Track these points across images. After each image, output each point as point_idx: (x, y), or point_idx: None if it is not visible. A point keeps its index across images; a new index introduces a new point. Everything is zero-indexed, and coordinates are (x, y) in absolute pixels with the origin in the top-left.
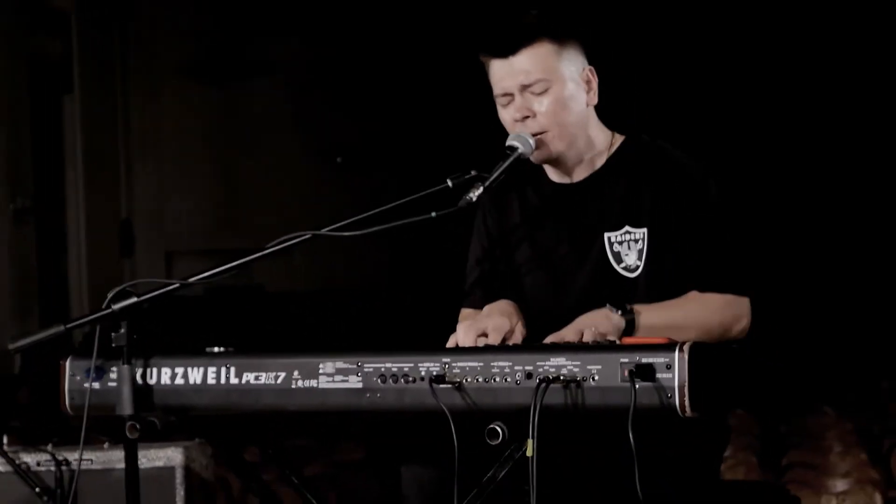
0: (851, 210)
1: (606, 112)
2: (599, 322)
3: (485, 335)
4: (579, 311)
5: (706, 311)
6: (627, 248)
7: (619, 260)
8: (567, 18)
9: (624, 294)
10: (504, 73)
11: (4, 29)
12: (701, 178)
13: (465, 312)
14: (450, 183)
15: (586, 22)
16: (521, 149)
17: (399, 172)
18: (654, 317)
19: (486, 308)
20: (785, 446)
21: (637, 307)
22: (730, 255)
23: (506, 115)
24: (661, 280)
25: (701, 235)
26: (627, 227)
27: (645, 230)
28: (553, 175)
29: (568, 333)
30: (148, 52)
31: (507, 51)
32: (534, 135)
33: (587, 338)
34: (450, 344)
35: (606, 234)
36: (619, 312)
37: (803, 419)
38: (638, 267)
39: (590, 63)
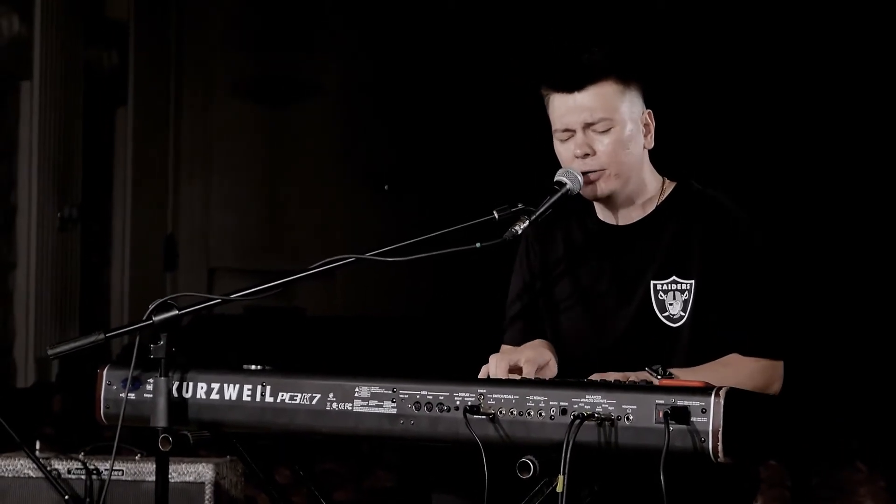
0: (891, 266)
1: (659, 157)
2: (641, 377)
3: (517, 368)
4: (617, 355)
5: (741, 377)
6: (672, 298)
7: (662, 309)
8: (632, 60)
9: (666, 343)
10: (567, 108)
11: (61, 37)
12: (751, 232)
13: (504, 348)
14: (496, 215)
15: (649, 66)
16: (568, 185)
17: (445, 202)
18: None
19: (525, 345)
20: (816, 499)
21: (676, 372)
22: (771, 318)
23: (564, 150)
24: (705, 332)
25: (747, 294)
26: (675, 277)
27: (692, 282)
28: (601, 213)
29: (612, 377)
30: (202, 69)
31: (572, 86)
32: (590, 172)
33: (632, 379)
34: (482, 374)
35: (652, 282)
36: (659, 377)
37: (836, 473)
38: (682, 318)
39: (647, 107)
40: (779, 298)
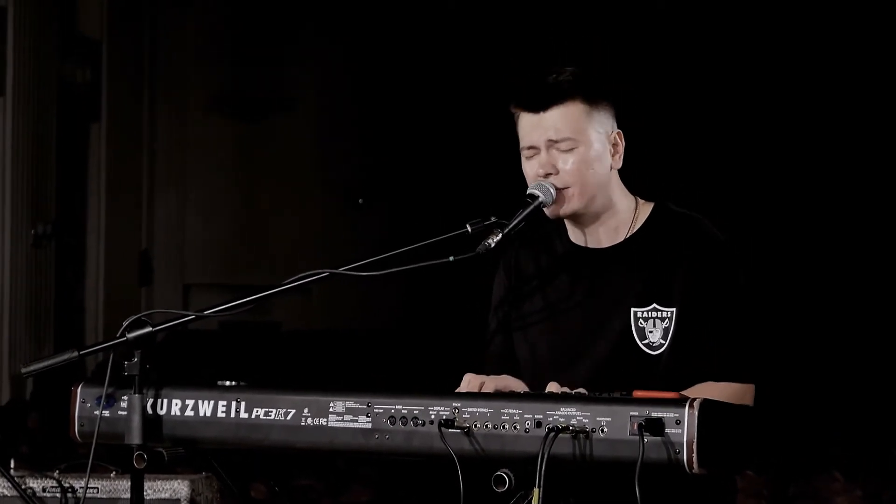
0: (868, 276)
1: (630, 177)
2: None
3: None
4: (596, 381)
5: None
6: (653, 326)
7: (642, 336)
8: (602, 80)
9: (644, 370)
10: (532, 126)
11: (34, 54)
12: (732, 260)
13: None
14: (469, 229)
15: (620, 86)
16: (541, 198)
17: (419, 215)
18: None
19: (491, 377)
20: None
21: None
22: (745, 343)
23: (529, 168)
24: (684, 360)
25: (724, 322)
26: (655, 305)
27: (674, 310)
28: (574, 235)
29: None
30: (175, 84)
31: (538, 106)
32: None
33: None
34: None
35: (633, 309)
36: None
37: (813, 482)
38: (662, 345)
39: (619, 127)
40: (753, 323)
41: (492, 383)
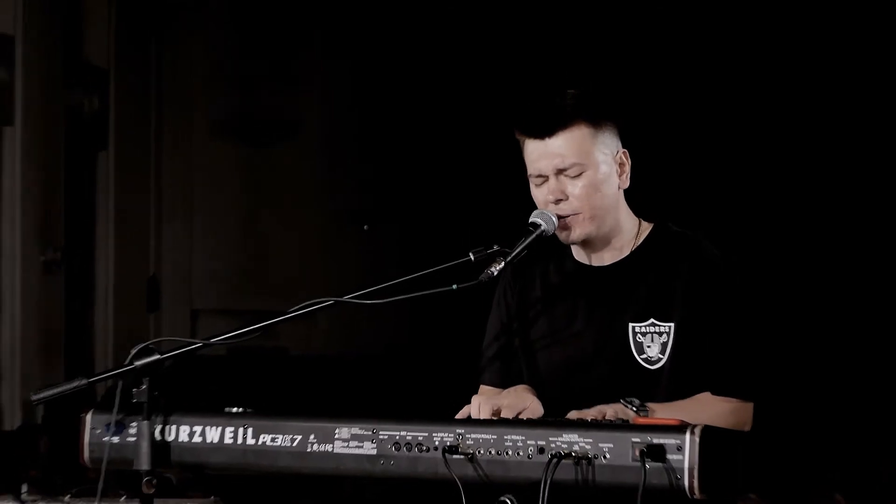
0: (861, 300)
1: (634, 198)
2: (618, 410)
3: (498, 413)
4: (596, 395)
5: (713, 416)
6: (651, 341)
7: (640, 351)
8: (604, 100)
9: (644, 385)
10: (539, 154)
11: (42, 83)
12: (731, 277)
13: (484, 389)
14: (472, 257)
15: (623, 105)
16: (543, 226)
17: (423, 242)
18: (666, 416)
19: (506, 391)
20: None
21: (651, 406)
22: (745, 361)
23: (539, 194)
24: (683, 374)
25: (724, 338)
26: (653, 320)
27: (672, 325)
28: (577, 254)
29: (590, 414)
30: (182, 111)
31: (543, 132)
32: (565, 216)
33: (609, 415)
34: (461, 415)
35: (631, 325)
36: (635, 410)
37: None
38: (660, 360)
39: (624, 146)
40: (753, 342)
41: (505, 399)
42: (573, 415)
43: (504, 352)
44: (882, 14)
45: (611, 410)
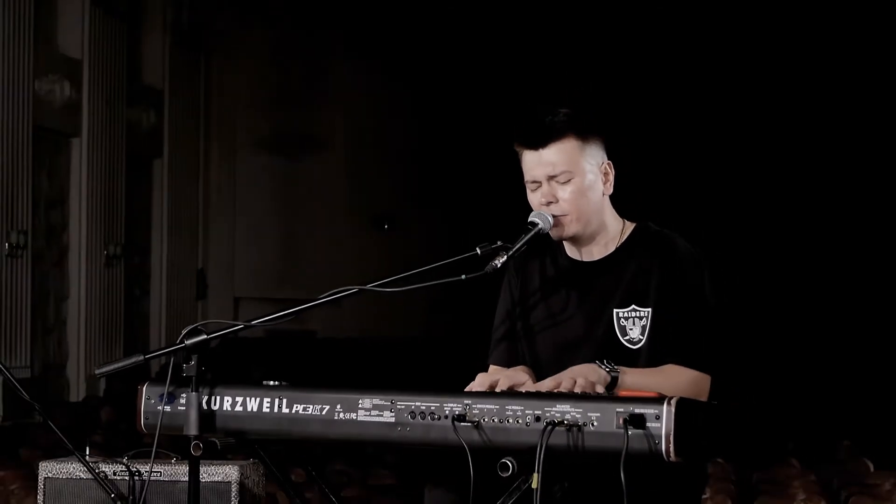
0: (828, 289)
1: (619, 202)
2: (589, 372)
3: (494, 386)
4: None
5: (676, 383)
6: (632, 324)
7: (624, 333)
8: (593, 118)
9: (626, 363)
10: (534, 163)
11: (106, 101)
12: (697, 268)
13: (492, 368)
14: (478, 251)
15: (609, 123)
16: (540, 224)
17: (437, 240)
18: (635, 380)
19: (506, 371)
20: (756, 492)
21: (622, 368)
22: (706, 339)
23: (533, 198)
24: (659, 352)
25: (689, 318)
26: (634, 306)
27: (649, 310)
28: (570, 251)
29: (563, 378)
30: (227, 127)
31: (537, 144)
32: (555, 217)
33: (577, 387)
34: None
35: (615, 310)
36: (607, 369)
37: (773, 469)
38: (640, 340)
39: (609, 158)
40: (715, 323)
41: (506, 380)
42: (546, 383)
43: (509, 335)
44: (856, 16)
45: (581, 378)
